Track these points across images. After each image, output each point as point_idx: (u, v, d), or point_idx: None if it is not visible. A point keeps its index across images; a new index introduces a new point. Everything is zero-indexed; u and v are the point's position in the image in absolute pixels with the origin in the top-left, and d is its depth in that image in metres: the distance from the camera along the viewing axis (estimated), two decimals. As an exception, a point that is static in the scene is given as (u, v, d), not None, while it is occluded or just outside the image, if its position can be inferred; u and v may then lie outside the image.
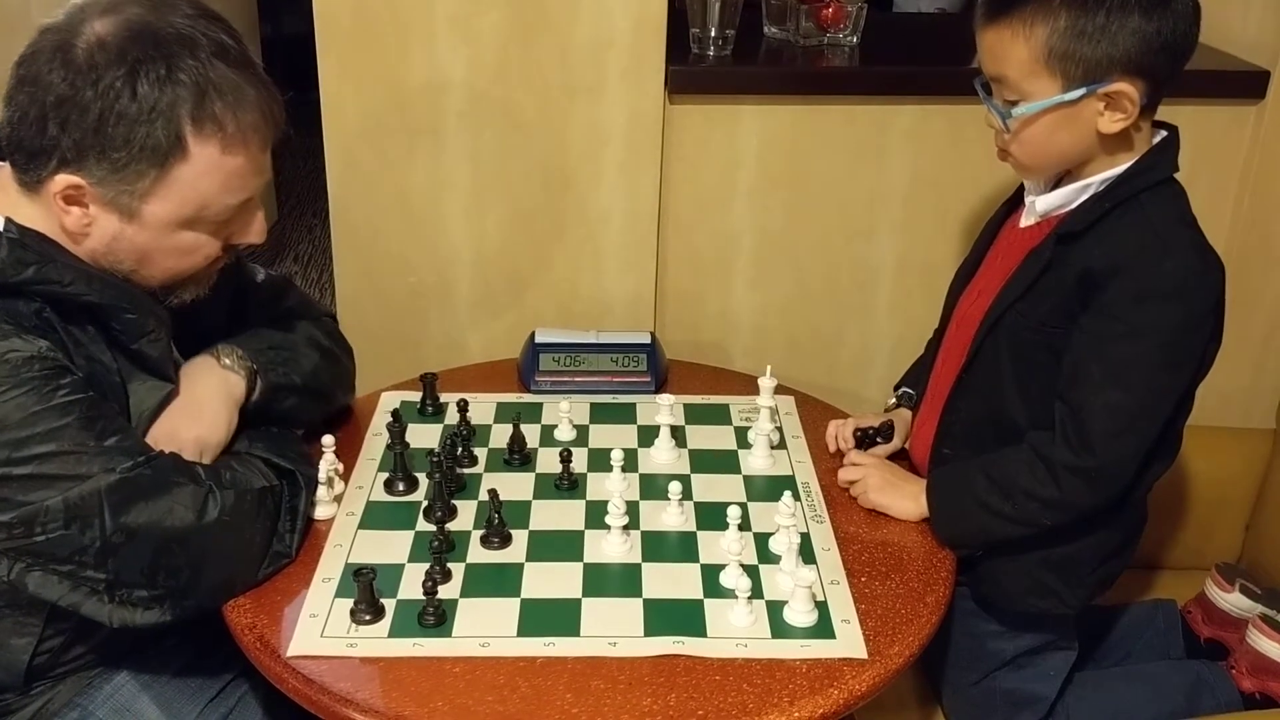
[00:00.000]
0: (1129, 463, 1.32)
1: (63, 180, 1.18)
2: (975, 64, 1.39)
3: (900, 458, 1.55)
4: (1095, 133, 1.29)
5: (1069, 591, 1.42)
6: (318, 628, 1.22)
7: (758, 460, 1.52)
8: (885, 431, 1.54)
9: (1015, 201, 1.48)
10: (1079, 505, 1.33)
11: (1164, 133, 1.35)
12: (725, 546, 1.29)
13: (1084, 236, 1.32)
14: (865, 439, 1.53)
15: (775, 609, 1.25)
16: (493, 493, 1.35)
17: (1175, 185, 1.35)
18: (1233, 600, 1.67)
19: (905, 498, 1.43)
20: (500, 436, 1.55)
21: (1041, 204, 1.38)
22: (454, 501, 1.41)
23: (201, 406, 1.33)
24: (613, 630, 1.22)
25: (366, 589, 1.22)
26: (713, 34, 1.87)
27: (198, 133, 1.18)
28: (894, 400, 1.63)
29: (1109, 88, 1.26)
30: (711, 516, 1.39)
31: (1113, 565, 1.45)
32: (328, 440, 1.42)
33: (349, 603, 1.23)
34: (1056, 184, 1.39)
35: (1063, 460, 1.31)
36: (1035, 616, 1.46)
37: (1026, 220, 1.42)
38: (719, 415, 1.64)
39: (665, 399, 1.54)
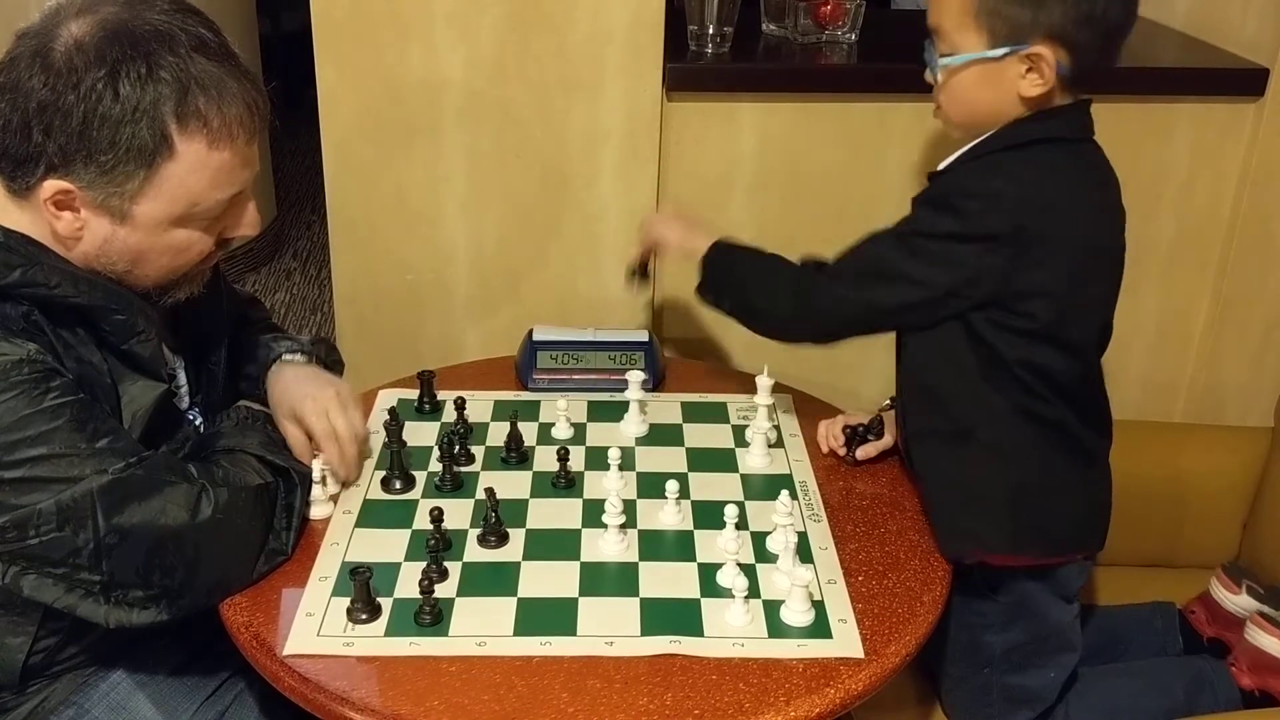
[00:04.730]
0: (835, 307, 1.41)
1: (51, 186, 1.17)
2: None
3: (893, 454, 1.55)
4: (1016, 95, 1.32)
5: (986, 530, 1.39)
6: (314, 626, 1.21)
7: (755, 459, 1.52)
8: (876, 428, 1.54)
9: None
10: (779, 313, 1.45)
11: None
12: (722, 545, 1.29)
13: (947, 172, 1.37)
14: (855, 436, 1.53)
15: (772, 608, 1.25)
16: (490, 491, 1.35)
17: (1085, 150, 1.36)
18: (1239, 602, 1.66)
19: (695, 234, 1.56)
20: (498, 434, 1.55)
21: (942, 165, 1.40)
22: (451, 500, 1.40)
23: (310, 374, 1.46)
24: (609, 629, 1.22)
25: (363, 588, 1.22)
26: (711, 31, 1.87)
27: (183, 129, 1.17)
28: (888, 401, 1.62)
29: (1029, 50, 1.28)
30: (709, 515, 1.39)
31: (1038, 511, 1.41)
32: (324, 438, 1.42)
33: (345, 601, 1.23)
34: None
35: (804, 273, 1.44)
36: (1003, 597, 1.45)
37: None
38: (717, 413, 1.64)
39: (635, 375, 1.58)
